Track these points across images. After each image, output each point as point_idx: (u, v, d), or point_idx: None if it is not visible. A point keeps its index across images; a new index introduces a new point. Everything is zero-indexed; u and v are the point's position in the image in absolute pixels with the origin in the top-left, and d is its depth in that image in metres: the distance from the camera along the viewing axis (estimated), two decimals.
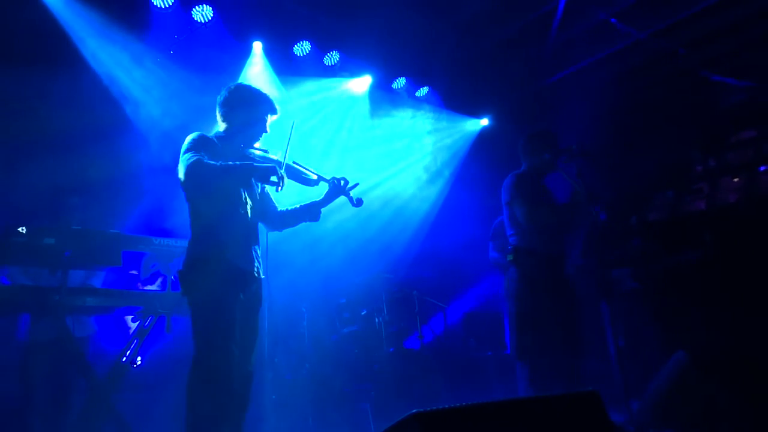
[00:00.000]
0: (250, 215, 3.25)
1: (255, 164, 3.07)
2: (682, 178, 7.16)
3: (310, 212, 3.50)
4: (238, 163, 3.02)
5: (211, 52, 5.59)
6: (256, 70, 5.98)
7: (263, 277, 3.30)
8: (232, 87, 3.40)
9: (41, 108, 5.00)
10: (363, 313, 5.80)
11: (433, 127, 7.65)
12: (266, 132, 3.39)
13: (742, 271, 4.74)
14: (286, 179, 3.08)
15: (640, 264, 5.18)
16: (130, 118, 5.35)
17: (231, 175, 3.00)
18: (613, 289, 5.14)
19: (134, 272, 4.44)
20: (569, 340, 3.98)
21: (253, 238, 3.27)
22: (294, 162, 3.33)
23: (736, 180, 6.79)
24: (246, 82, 3.62)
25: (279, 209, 3.56)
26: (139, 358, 4.18)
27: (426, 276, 6.76)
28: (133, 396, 4.22)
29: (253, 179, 3.28)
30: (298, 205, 3.53)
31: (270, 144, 3.45)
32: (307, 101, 6.41)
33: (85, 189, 4.86)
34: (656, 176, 7.11)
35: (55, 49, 4.99)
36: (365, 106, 7.01)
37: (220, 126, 3.38)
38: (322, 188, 3.47)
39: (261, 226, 3.50)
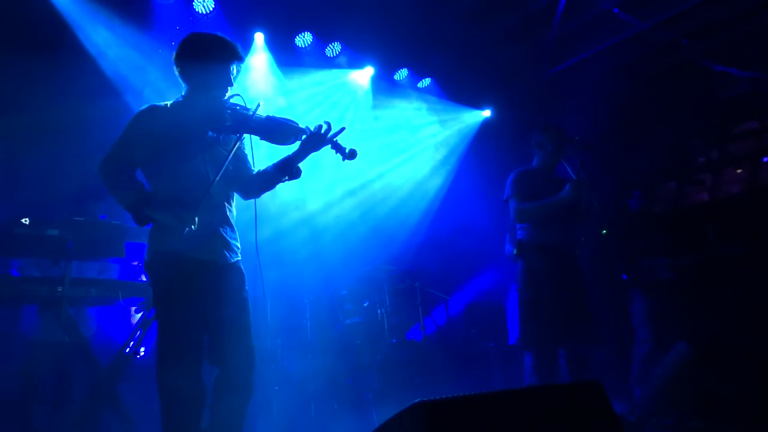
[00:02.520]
0: (213, 194, 2.79)
1: (156, 201, 2.66)
2: (684, 170, 7.16)
3: (285, 168, 2.96)
4: (139, 193, 2.68)
5: None
6: (258, 61, 5.98)
7: (237, 259, 2.94)
8: (184, 38, 2.93)
9: (41, 99, 5.00)
10: (365, 305, 5.81)
11: (435, 118, 7.64)
12: (231, 85, 2.92)
13: (745, 262, 4.74)
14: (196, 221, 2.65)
15: (650, 256, 5.19)
16: (131, 109, 5.34)
17: (123, 198, 2.70)
18: (643, 277, 5.16)
19: (137, 263, 4.46)
20: (577, 329, 3.99)
21: (217, 221, 2.87)
22: (269, 117, 2.88)
23: (739, 171, 6.78)
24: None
25: (254, 173, 3.08)
26: (142, 349, 4.20)
27: (428, 267, 6.77)
28: (136, 386, 4.23)
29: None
30: (271, 164, 3.03)
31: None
32: (310, 93, 6.41)
33: (87, 181, 4.87)
34: (658, 167, 7.10)
35: (58, 40, 4.98)
36: (367, 97, 7.00)
37: (182, 88, 2.96)
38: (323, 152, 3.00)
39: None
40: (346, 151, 2.90)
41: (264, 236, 3.18)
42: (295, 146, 2.96)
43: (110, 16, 5.08)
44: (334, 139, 2.90)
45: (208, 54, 2.86)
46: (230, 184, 2.99)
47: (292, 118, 2.95)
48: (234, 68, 2.92)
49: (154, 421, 2.77)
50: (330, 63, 6.46)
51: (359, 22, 6.05)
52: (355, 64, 6.64)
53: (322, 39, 6.19)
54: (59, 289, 3.62)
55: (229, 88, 2.92)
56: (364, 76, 6.79)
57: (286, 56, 6.14)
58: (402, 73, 7.01)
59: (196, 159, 2.79)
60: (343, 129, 2.95)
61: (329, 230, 6.31)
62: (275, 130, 2.89)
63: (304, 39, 6.10)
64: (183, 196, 2.71)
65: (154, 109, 2.86)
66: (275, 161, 3.03)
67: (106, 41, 5.16)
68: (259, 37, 5.92)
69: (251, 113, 2.82)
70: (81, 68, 5.12)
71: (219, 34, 2.97)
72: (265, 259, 3.15)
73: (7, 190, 5.02)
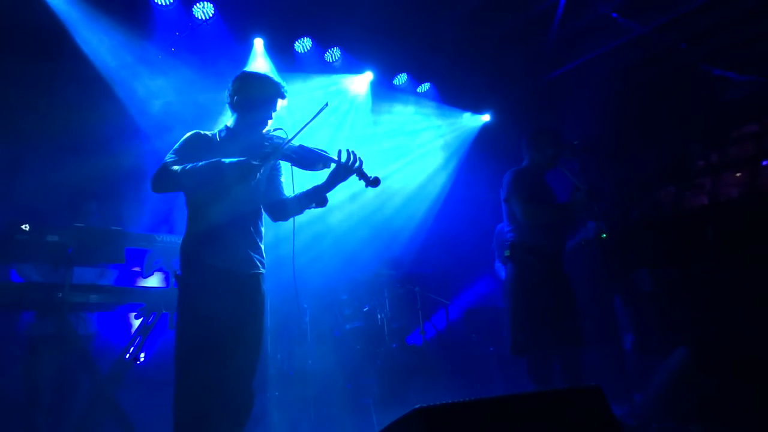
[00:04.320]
0: (243, 209, 3.06)
1: (222, 161, 2.79)
2: (683, 173, 7.16)
3: (314, 197, 3.15)
4: (202, 163, 2.81)
5: (212, 50, 5.59)
6: (258, 67, 5.98)
7: (257, 271, 3.10)
8: (240, 74, 3.25)
9: (43, 106, 5.02)
10: (365, 310, 5.81)
11: (434, 123, 7.65)
12: (271, 118, 3.20)
13: (745, 266, 4.74)
14: (261, 171, 2.84)
15: (650, 259, 5.20)
16: (132, 115, 5.36)
17: (194, 177, 2.81)
18: (625, 283, 5.16)
19: (137, 269, 4.46)
20: (568, 334, 3.98)
21: (245, 234, 3.07)
22: (301, 145, 3.06)
23: (738, 175, 6.79)
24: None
25: (284, 197, 3.29)
26: (142, 355, 4.19)
27: (428, 272, 6.77)
28: (137, 392, 4.23)
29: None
30: (301, 192, 3.22)
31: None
32: (309, 98, 6.41)
33: (87, 186, 4.88)
34: (658, 171, 7.10)
35: (58, 47, 4.99)
36: (367, 102, 7.01)
37: (230, 119, 3.24)
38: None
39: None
40: (371, 178, 3.03)
41: (265, 242, 3.24)
42: (323, 173, 3.14)
43: (110, 22, 5.09)
44: (361, 168, 3.04)
45: (254, 88, 3.17)
46: (259, 203, 3.21)
47: (284, 130, 3.12)
48: (278, 104, 3.23)
49: (154, 426, 2.78)
50: (329, 68, 6.47)
51: (358, 27, 6.06)
52: (355, 69, 6.64)
53: (321, 44, 6.20)
54: (59, 294, 3.62)
55: (269, 121, 3.20)
56: (363, 81, 6.79)
57: (286, 62, 6.15)
58: (401, 78, 7.02)
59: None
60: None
61: (329, 235, 6.30)
62: (305, 157, 3.07)
63: (303, 44, 6.12)
64: (214, 211, 2.96)
65: (199, 135, 3.12)
66: (304, 189, 3.20)
67: (106, 47, 5.17)
68: (258, 43, 5.93)
69: (285, 142, 2.99)
70: (81, 74, 5.13)
71: (269, 74, 3.31)
72: (267, 263, 3.21)
73: (6, 196, 5.03)
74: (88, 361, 3.98)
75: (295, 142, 3.04)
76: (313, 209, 3.24)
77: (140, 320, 4.08)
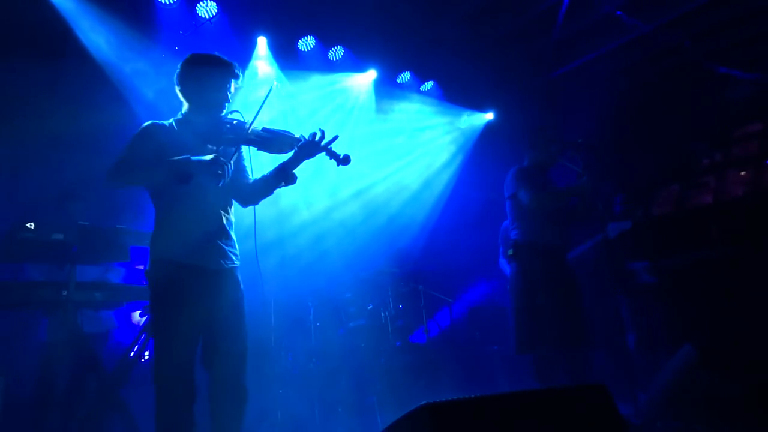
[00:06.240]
0: (212, 201, 2.95)
1: (192, 159, 2.72)
2: (687, 172, 7.14)
3: (280, 175, 3.01)
4: (171, 159, 2.74)
5: (216, 48, 5.56)
6: (261, 65, 5.99)
7: (233, 265, 3.00)
8: (184, 59, 3.03)
9: (47, 105, 5.03)
10: (369, 308, 5.82)
11: (438, 121, 7.64)
12: (229, 102, 3.02)
13: (750, 265, 4.72)
14: (231, 169, 2.78)
15: (655, 258, 5.18)
16: (135, 114, 5.36)
17: (159, 173, 2.77)
18: (628, 281, 5.15)
19: (141, 267, 4.47)
20: (573, 332, 3.98)
21: (213, 229, 2.95)
22: (264, 129, 2.96)
23: (742, 173, 6.77)
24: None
25: (251, 181, 3.15)
26: (147, 353, 4.20)
27: (432, 270, 6.76)
28: (141, 390, 4.24)
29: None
30: (267, 172, 3.11)
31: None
32: (312, 96, 6.42)
33: (91, 186, 4.89)
34: (662, 170, 7.09)
35: (61, 45, 5.00)
36: (370, 100, 7.01)
37: (183, 106, 3.06)
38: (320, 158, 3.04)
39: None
40: (340, 156, 2.96)
41: (268, 240, 3.23)
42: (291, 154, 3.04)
43: (114, 20, 5.09)
44: (329, 146, 2.96)
45: (207, 74, 2.98)
46: (228, 193, 3.08)
47: (287, 128, 3.03)
48: (232, 86, 3.04)
49: None
50: (333, 66, 6.48)
51: (362, 26, 6.06)
52: (358, 67, 6.64)
53: (324, 42, 6.20)
54: (64, 293, 3.63)
55: (227, 104, 3.02)
56: (366, 79, 6.80)
57: (289, 60, 6.15)
58: (405, 76, 7.02)
59: None
60: (336, 137, 3.02)
61: (333, 233, 6.31)
62: (271, 140, 2.98)
63: (306, 43, 6.12)
64: (181, 206, 2.84)
65: (155, 126, 2.96)
66: (272, 168, 3.10)
67: (111, 47, 5.17)
68: (261, 41, 5.93)
69: (248, 126, 2.91)
70: (85, 74, 5.13)
71: (217, 53, 3.09)
72: (269, 263, 3.18)
73: (9, 195, 5.04)
74: (93, 359, 3.99)
75: (258, 126, 2.96)
76: (282, 188, 3.11)
77: (145, 318, 4.09)
